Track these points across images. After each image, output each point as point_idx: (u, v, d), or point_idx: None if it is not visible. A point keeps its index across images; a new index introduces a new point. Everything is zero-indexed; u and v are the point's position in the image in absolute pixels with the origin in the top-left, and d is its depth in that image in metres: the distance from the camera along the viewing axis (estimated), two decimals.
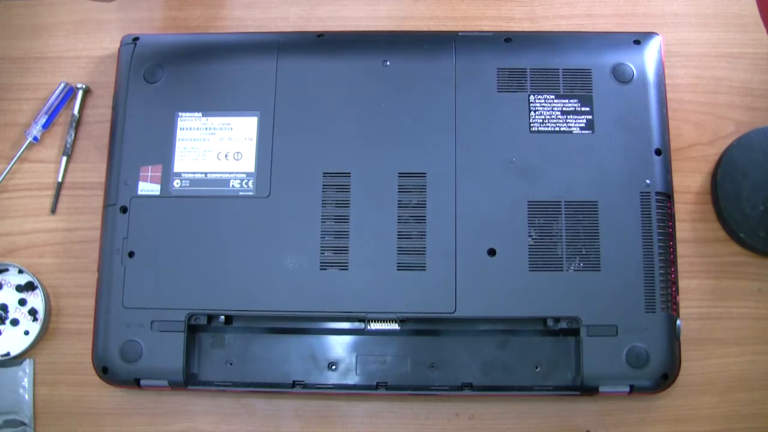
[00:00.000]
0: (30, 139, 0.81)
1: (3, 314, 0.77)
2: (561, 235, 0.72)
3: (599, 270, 0.71)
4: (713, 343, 0.76)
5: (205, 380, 0.73)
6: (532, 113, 0.75)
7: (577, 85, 0.76)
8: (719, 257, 0.77)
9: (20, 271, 0.77)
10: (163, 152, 0.75)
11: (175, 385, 0.72)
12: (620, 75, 0.76)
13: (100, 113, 0.82)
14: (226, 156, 0.75)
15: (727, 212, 0.76)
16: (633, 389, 0.70)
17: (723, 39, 0.82)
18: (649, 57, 0.76)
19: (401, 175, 0.74)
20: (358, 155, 0.74)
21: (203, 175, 0.75)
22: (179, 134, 0.76)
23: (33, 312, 0.77)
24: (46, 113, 0.81)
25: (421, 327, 0.73)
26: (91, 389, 0.76)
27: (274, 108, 0.76)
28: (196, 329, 0.73)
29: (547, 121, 0.75)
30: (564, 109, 0.75)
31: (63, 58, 0.84)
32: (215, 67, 0.77)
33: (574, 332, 0.71)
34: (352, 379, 0.73)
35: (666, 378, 0.70)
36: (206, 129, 0.76)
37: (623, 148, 0.74)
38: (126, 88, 0.77)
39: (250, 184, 0.74)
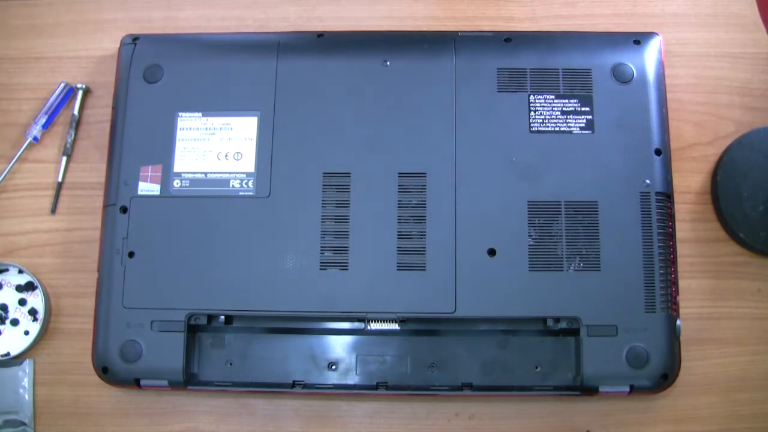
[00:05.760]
0: (30, 139, 0.81)
1: (3, 314, 0.77)
2: (561, 235, 0.72)
3: (599, 270, 0.71)
4: (713, 343, 0.76)
5: (205, 380, 0.73)
6: (532, 113, 0.75)
7: (577, 85, 0.76)
8: (719, 257, 0.77)
9: (20, 271, 0.77)
10: (163, 152, 0.75)
11: (175, 385, 0.72)
12: (620, 75, 0.76)
13: (100, 113, 0.82)
14: (226, 156, 0.75)
15: (727, 212, 0.76)
16: (633, 389, 0.70)
17: (723, 39, 0.82)
18: (649, 57, 0.76)
19: (401, 175, 0.74)
20: (358, 155, 0.74)
21: (203, 175, 0.75)
22: (179, 134, 0.76)
23: (33, 312, 0.77)
24: (46, 113, 0.81)
25: (421, 327, 0.73)
26: (91, 389, 0.76)
27: (274, 108, 0.76)
28: (196, 329, 0.73)
29: (547, 121, 0.75)
30: (564, 109, 0.75)
31: (63, 58, 0.84)
32: (215, 67, 0.77)
33: (574, 332, 0.71)
34: (352, 379, 0.73)
35: (666, 378, 0.70)
36: (206, 129, 0.76)
37: (623, 148, 0.74)
38: (126, 88, 0.77)
39: (250, 184, 0.74)
